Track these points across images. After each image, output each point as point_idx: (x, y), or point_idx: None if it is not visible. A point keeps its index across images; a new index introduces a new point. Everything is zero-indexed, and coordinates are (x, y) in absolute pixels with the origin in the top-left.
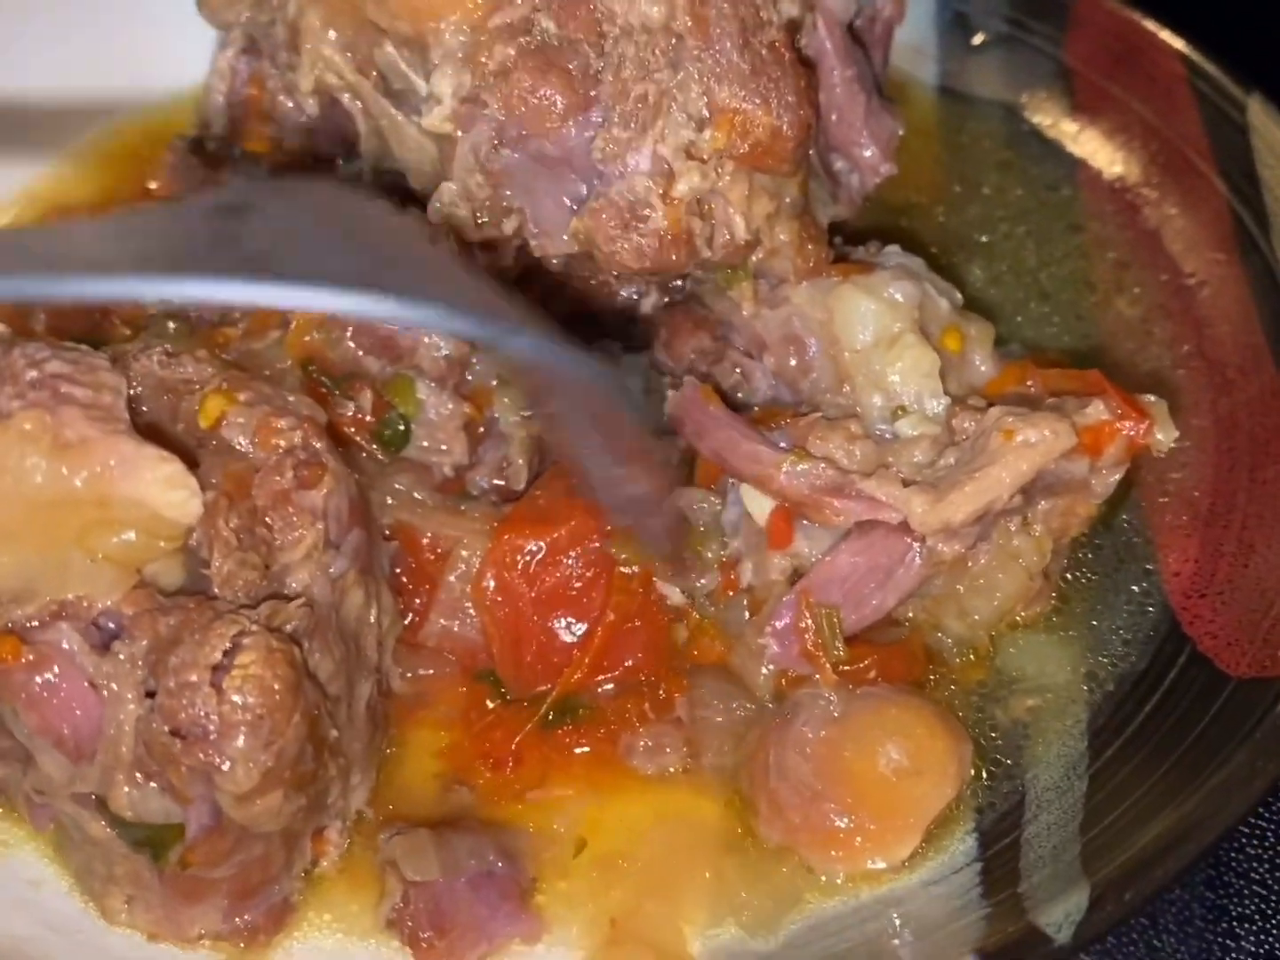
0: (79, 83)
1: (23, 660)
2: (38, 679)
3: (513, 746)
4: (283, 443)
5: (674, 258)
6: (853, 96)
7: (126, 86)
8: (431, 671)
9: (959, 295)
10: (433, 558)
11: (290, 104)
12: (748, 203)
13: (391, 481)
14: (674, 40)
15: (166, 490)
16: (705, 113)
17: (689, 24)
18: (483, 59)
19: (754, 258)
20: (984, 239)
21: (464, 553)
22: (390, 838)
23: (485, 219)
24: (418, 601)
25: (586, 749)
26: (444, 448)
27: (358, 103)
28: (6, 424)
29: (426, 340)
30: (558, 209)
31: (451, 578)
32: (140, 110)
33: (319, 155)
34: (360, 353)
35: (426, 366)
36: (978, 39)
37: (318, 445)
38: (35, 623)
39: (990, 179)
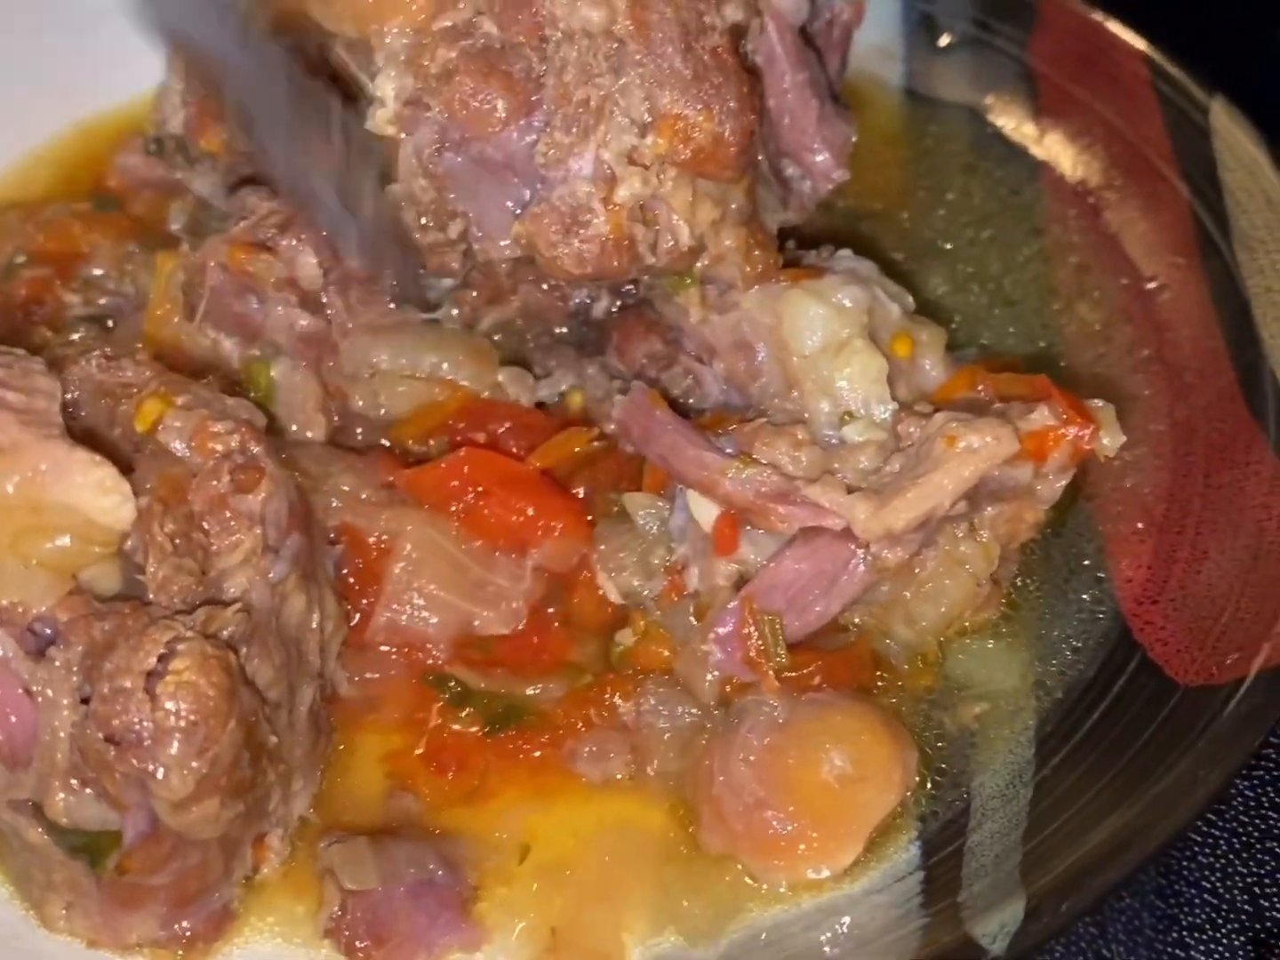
0: (39, 82)
1: None
2: None
3: (456, 751)
4: (220, 447)
5: (615, 264)
6: (805, 101)
7: (87, 85)
8: (378, 675)
9: (910, 300)
10: (378, 555)
11: None
12: (691, 209)
13: (336, 483)
14: (615, 45)
15: (98, 495)
16: (647, 118)
17: (630, 28)
18: (425, 62)
19: (700, 264)
20: (948, 245)
21: (408, 545)
22: (328, 846)
23: (430, 223)
24: (365, 602)
25: (532, 754)
26: (306, 426)
27: None
28: None
29: (279, 311)
30: (501, 213)
31: (397, 569)
32: (100, 110)
33: None
34: (218, 335)
35: (283, 341)
36: (944, 40)
37: (256, 449)
38: None
39: (955, 183)
